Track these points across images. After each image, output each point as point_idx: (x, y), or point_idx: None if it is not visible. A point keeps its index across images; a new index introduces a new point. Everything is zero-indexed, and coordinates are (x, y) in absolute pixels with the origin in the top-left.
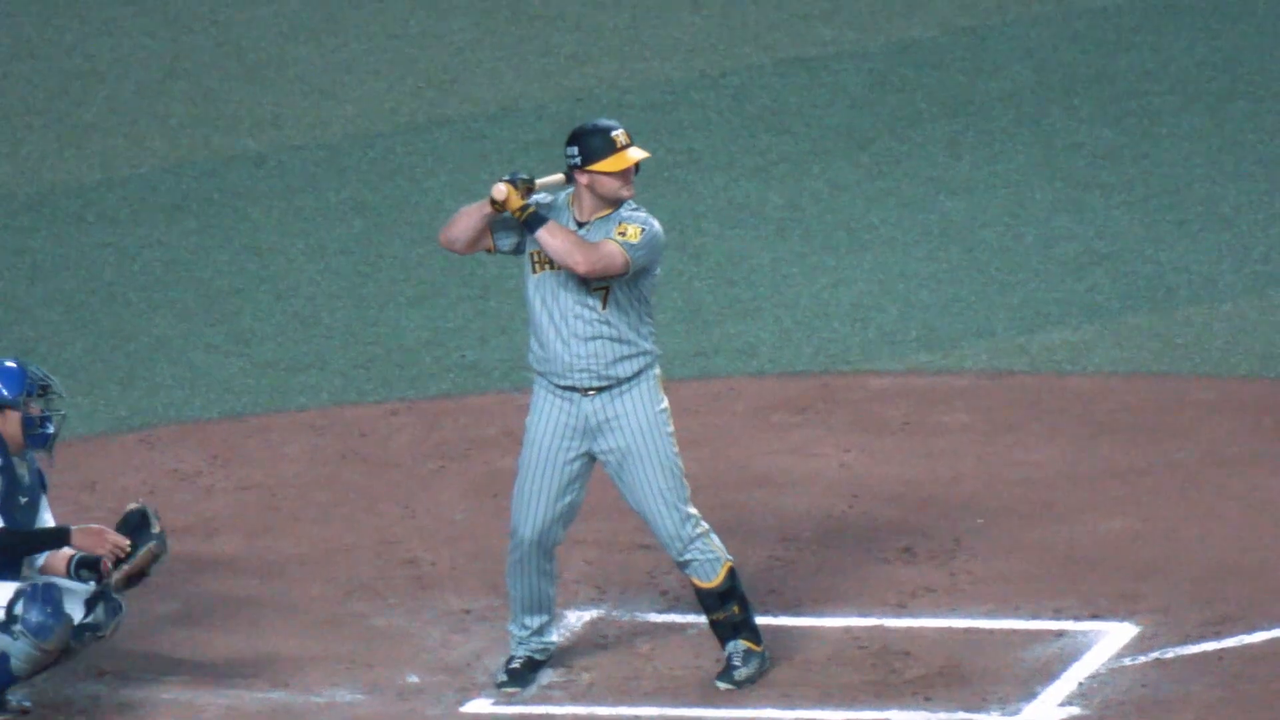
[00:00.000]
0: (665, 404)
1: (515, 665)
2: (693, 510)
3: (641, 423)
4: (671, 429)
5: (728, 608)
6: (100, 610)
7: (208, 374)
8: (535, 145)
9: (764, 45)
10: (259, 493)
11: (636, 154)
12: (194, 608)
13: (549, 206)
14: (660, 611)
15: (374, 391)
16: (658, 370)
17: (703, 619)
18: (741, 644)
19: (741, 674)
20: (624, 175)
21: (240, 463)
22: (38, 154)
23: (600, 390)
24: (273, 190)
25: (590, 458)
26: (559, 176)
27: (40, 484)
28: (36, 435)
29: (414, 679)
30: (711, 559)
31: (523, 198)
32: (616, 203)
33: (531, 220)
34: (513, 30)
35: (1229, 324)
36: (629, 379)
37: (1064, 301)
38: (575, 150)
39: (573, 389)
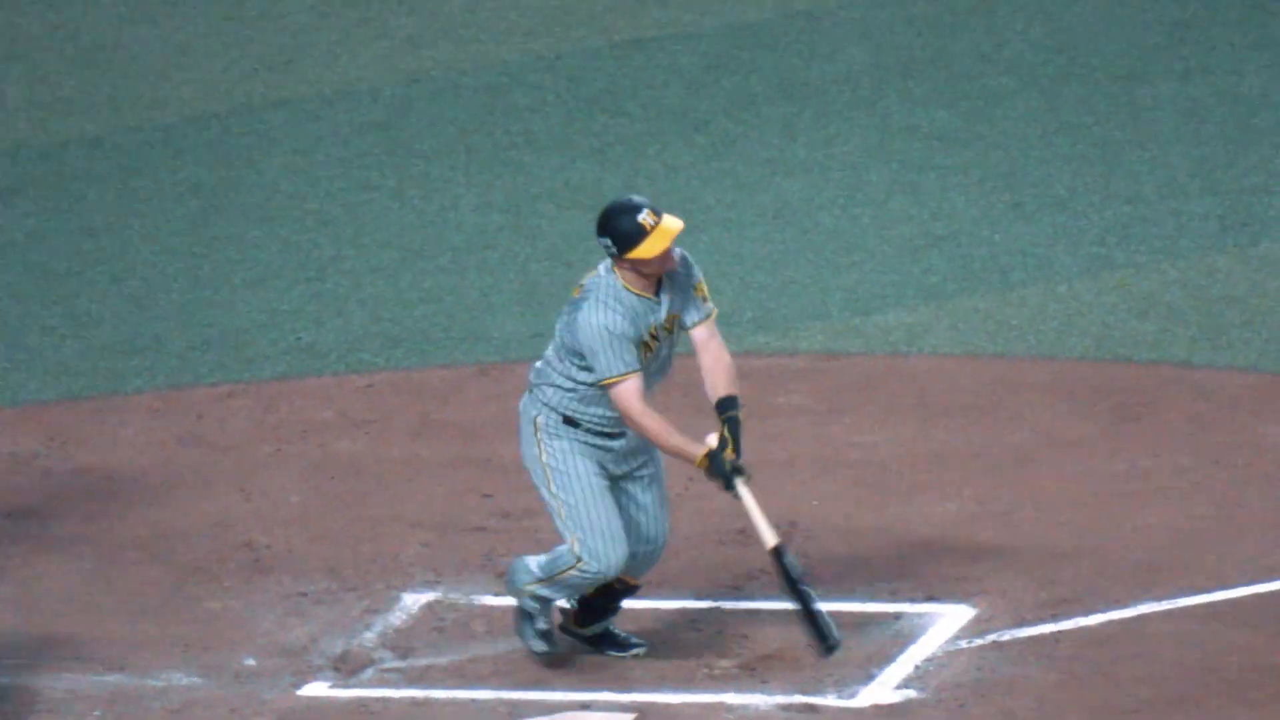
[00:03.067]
0: None
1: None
2: None
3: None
4: None
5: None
6: None
7: (44, 356)
8: (371, 127)
9: (599, 28)
10: (95, 476)
11: (671, 225)
12: (29, 591)
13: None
14: (496, 594)
15: (210, 374)
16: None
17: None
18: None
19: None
20: (663, 256)
21: (77, 445)
22: None
23: None
24: (109, 172)
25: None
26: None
27: None
28: None
29: (251, 662)
30: None
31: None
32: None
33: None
34: (349, 12)
35: (1064, 306)
36: None
37: (899, 283)
38: (609, 241)
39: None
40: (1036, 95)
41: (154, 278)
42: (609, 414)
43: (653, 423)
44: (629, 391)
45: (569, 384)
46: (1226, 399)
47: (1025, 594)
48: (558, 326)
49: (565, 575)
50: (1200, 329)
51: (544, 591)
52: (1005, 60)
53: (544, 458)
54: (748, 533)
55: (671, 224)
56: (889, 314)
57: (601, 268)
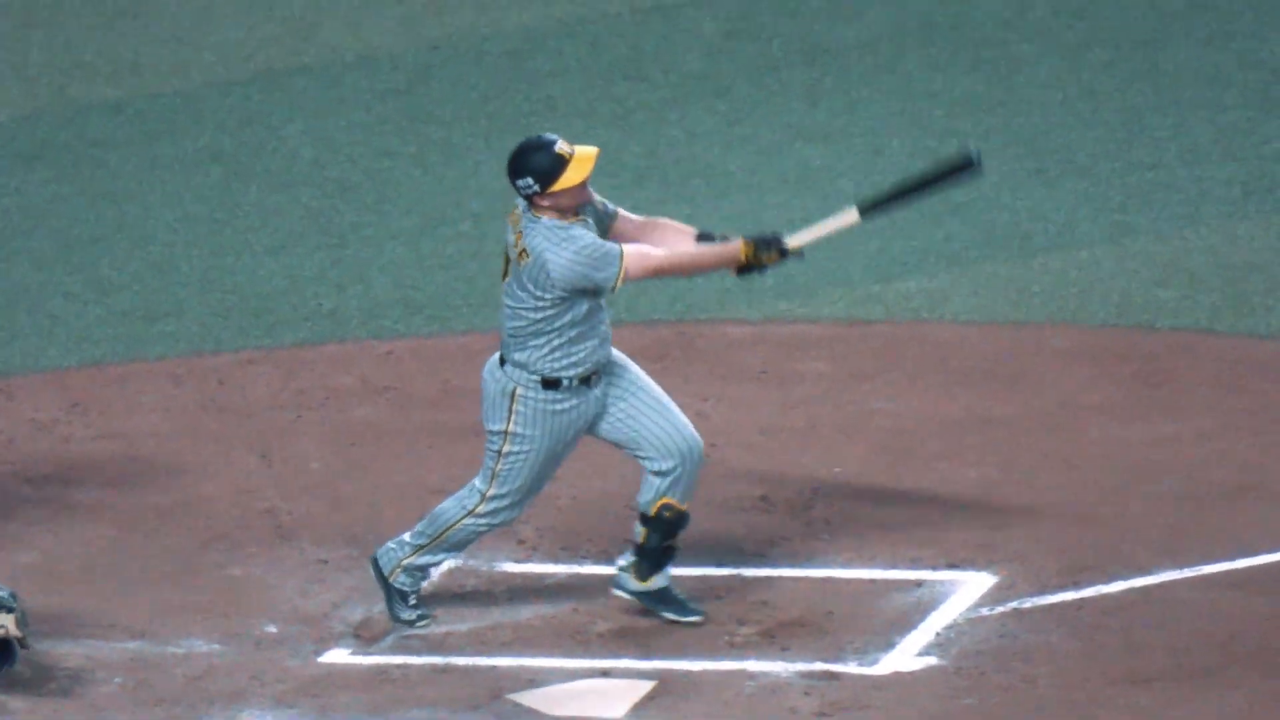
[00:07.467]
0: None
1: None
2: None
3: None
4: None
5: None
6: None
7: (66, 322)
8: (392, 94)
9: None
10: (117, 442)
11: (587, 151)
12: (51, 557)
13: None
14: (517, 561)
15: (231, 340)
16: None
17: (558, 569)
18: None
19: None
20: (584, 185)
21: (98, 411)
22: None
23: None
24: (130, 138)
25: None
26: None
27: None
28: None
29: (272, 629)
30: None
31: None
32: (577, 210)
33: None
34: None
35: (1085, 272)
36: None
37: (921, 250)
38: (530, 180)
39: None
40: (1058, 61)
41: (175, 244)
42: (591, 348)
43: (674, 254)
44: (635, 259)
45: (553, 340)
46: (1248, 365)
47: (1047, 561)
48: (510, 301)
49: (452, 530)
50: (1222, 295)
51: (422, 560)
52: (1027, 25)
53: (510, 426)
54: (770, 499)
55: (587, 150)
56: (910, 280)
57: (523, 217)
